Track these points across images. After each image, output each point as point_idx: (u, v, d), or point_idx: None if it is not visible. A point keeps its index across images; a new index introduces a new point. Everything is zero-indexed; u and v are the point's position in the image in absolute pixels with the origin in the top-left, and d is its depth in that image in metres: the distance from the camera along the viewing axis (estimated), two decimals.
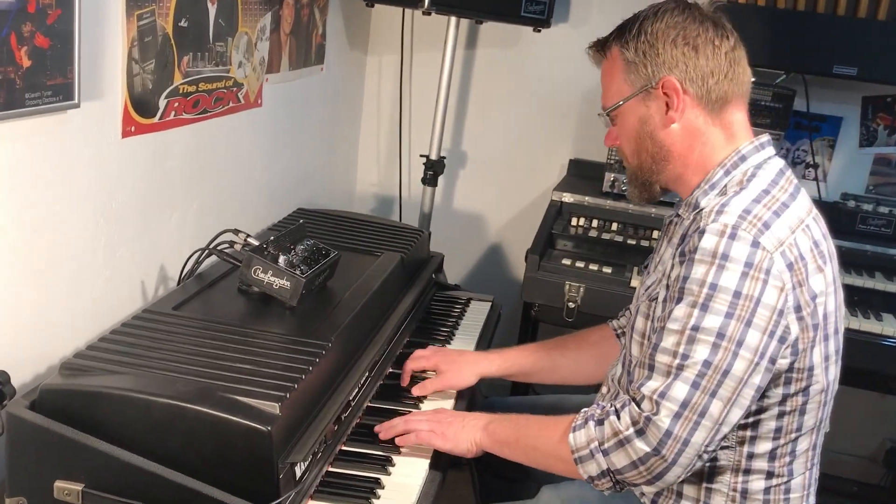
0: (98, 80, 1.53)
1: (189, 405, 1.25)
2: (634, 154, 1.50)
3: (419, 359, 1.81)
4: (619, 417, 1.33)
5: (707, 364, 1.28)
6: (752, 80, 2.51)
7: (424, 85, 2.99)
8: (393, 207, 3.15)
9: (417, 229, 2.30)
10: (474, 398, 1.84)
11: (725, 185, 1.41)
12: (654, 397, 1.30)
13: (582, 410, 1.41)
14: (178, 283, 1.77)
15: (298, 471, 1.31)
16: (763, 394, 1.36)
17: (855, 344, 2.23)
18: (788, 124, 2.64)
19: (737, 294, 1.28)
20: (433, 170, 2.71)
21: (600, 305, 2.28)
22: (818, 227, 1.41)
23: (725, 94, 1.42)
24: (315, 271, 1.68)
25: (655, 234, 2.52)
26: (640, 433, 1.30)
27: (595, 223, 2.57)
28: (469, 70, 3.03)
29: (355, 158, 3.17)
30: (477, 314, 2.22)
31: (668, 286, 1.39)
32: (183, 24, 1.76)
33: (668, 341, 1.32)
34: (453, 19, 2.60)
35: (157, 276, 1.86)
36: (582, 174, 2.89)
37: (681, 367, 1.30)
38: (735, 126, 1.45)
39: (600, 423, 1.36)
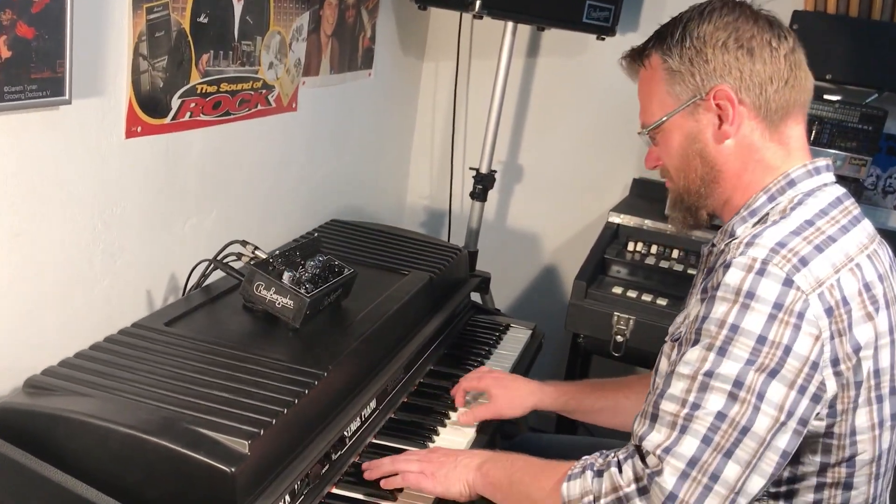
0: (97, 75, 1.43)
1: (149, 437, 1.12)
2: (680, 175, 1.31)
3: (470, 380, 1.67)
4: (620, 471, 1.15)
5: (721, 416, 1.09)
6: (838, 98, 2.30)
7: (482, 94, 2.83)
8: (444, 221, 3.00)
9: (455, 247, 2.14)
10: (495, 435, 1.66)
11: (767, 213, 1.22)
12: (658, 452, 1.12)
13: (582, 458, 1.23)
14: (183, 296, 1.66)
15: None
16: (797, 460, 1.17)
17: None
18: (878, 149, 2.38)
19: (761, 339, 1.09)
20: (482, 184, 2.55)
21: (651, 341, 2.07)
22: (874, 266, 1.19)
23: (786, 104, 1.22)
24: (323, 290, 1.54)
25: None
26: (643, 492, 1.12)
27: (654, 249, 2.36)
28: (529, 79, 2.86)
29: (407, 169, 3.03)
30: (514, 342, 2.04)
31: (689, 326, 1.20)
32: (202, 19, 1.66)
33: (677, 387, 1.13)
34: (510, 25, 2.43)
35: (166, 287, 1.75)
36: (646, 195, 2.67)
37: (689, 418, 1.11)
38: (793, 142, 1.25)
39: (599, 474, 1.18)
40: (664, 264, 2.29)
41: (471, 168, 2.59)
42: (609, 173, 2.81)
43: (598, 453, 1.23)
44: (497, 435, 1.69)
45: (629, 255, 2.35)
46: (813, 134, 2.29)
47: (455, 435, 1.57)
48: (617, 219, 2.43)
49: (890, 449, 1.23)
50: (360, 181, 2.65)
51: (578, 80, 2.79)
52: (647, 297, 2.15)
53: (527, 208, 2.95)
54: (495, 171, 2.58)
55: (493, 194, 2.89)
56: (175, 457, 1.11)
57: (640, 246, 2.36)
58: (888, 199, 2.56)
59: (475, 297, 2.46)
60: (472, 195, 2.58)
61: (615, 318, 2.11)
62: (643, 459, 1.14)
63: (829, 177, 1.26)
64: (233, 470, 1.10)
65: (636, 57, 1.32)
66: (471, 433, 1.59)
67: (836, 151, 2.29)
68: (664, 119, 1.27)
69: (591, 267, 2.23)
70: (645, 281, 2.26)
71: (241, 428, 1.16)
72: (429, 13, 2.84)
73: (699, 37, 1.22)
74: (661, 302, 2.14)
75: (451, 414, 1.63)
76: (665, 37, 1.26)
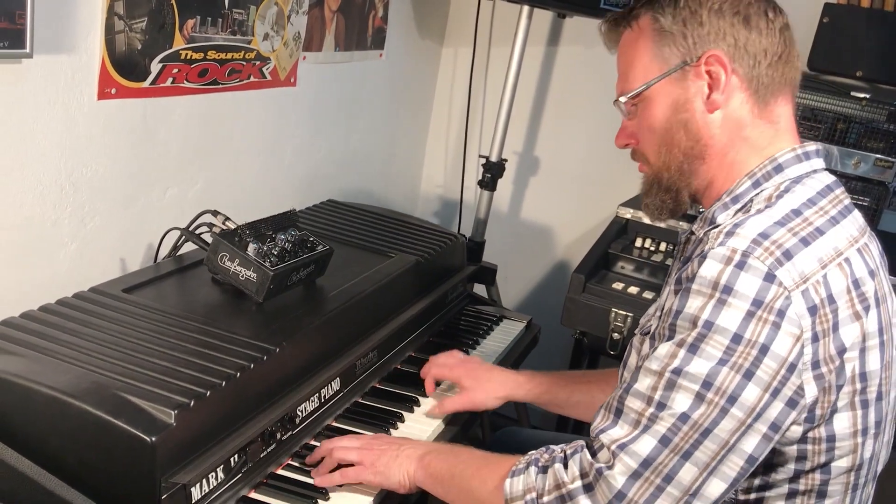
0: (65, 32, 1.40)
1: (71, 400, 1.08)
2: (660, 150, 1.19)
3: (441, 367, 1.58)
4: (565, 466, 1.07)
5: (685, 418, 1.01)
6: (866, 96, 2.16)
7: (501, 81, 2.76)
8: (456, 210, 2.93)
9: (451, 233, 2.07)
10: (468, 428, 1.58)
11: (751, 200, 1.12)
12: (613, 447, 1.04)
13: (528, 453, 1.15)
14: (152, 265, 1.62)
15: (196, 492, 1.11)
16: (769, 467, 1.08)
17: None
18: None
19: (736, 338, 1.00)
20: (491, 172, 2.47)
21: None
22: (864, 262, 1.09)
23: (778, 80, 1.13)
24: (291, 265, 1.48)
25: None
26: (588, 489, 1.04)
27: (662, 246, 2.26)
28: (549, 68, 2.77)
29: (422, 156, 2.97)
30: (504, 334, 1.96)
31: (661, 319, 1.11)
32: None
33: (644, 383, 1.05)
34: (525, 9, 2.35)
35: (143, 255, 1.72)
36: None
37: (653, 418, 1.03)
38: (782, 122, 1.16)
39: (544, 470, 1.10)
40: (671, 262, 2.19)
41: (480, 156, 2.52)
42: (626, 167, 2.70)
43: (544, 448, 1.14)
44: (471, 425, 1.61)
45: (636, 252, 2.25)
46: (838, 133, 2.17)
47: (421, 424, 1.50)
48: (627, 213, 2.33)
49: (872, 458, 1.12)
50: (369, 165, 2.59)
51: (599, 69, 2.68)
52: (648, 295, 2.05)
53: (541, 200, 2.87)
54: (505, 160, 2.50)
55: (506, 185, 2.82)
56: (96, 422, 1.07)
57: (648, 242, 2.27)
58: None
59: (480, 288, 2.39)
60: (481, 184, 2.50)
61: (612, 314, 2.01)
62: (593, 454, 1.07)
63: (819, 163, 1.16)
64: (153, 439, 1.05)
65: (622, 19, 1.21)
66: (437, 423, 1.51)
67: (863, 152, 2.16)
68: (649, 84, 1.17)
69: (593, 261, 2.13)
70: (650, 278, 2.17)
71: (170, 397, 1.11)
72: None
73: None
74: None
75: (422, 400, 1.57)
76: None
